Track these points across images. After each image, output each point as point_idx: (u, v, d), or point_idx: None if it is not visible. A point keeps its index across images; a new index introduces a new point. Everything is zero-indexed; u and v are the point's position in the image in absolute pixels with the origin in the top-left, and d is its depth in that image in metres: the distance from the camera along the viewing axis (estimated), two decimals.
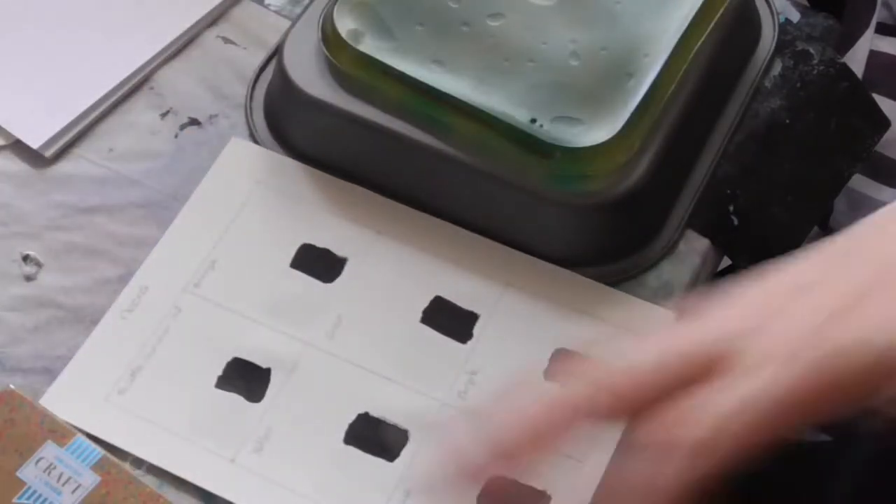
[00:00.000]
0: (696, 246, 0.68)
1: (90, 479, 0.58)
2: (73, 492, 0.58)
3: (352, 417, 0.62)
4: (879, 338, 0.46)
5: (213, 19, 0.75)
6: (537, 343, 0.64)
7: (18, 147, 0.70)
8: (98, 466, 0.59)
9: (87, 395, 0.62)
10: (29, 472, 0.58)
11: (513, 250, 0.67)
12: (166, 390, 0.62)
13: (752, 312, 0.49)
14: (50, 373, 0.63)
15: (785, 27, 0.75)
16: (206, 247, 0.67)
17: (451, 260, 0.66)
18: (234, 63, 0.74)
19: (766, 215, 0.71)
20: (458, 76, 0.65)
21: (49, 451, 0.59)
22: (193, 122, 0.72)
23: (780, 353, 0.47)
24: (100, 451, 0.59)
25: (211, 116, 0.72)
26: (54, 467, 0.58)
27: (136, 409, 0.62)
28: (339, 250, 0.67)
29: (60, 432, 0.59)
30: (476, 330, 0.65)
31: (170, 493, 0.59)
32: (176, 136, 0.71)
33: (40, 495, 0.58)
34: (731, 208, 0.70)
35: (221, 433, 0.61)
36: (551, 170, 0.64)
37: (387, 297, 0.66)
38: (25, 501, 0.58)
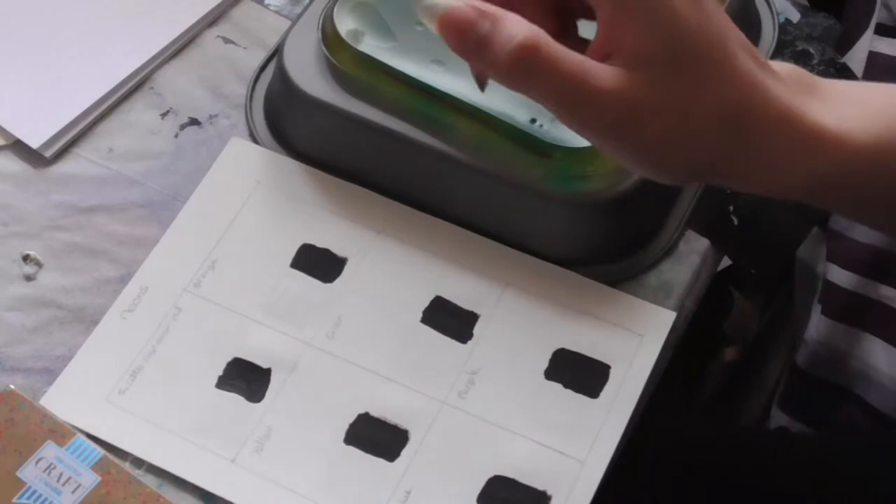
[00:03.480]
0: (696, 246, 0.68)
1: (90, 479, 0.58)
2: (73, 492, 0.58)
3: (352, 417, 0.62)
4: None
5: (213, 19, 0.75)
6: (537, 343, 0.64)
7: (18, 147, 0.70)
8: (98, 466, 0.59)
9: (87, 395, 0.62)
10: (29, 472, 0.58)
11: (513, 250, 0.67)
12: (166, 390, 0.62)
13: None
14: (50, 373, 0.63)
15: (785, 27, 0.75)
16: (206, 247, 0.67)
17: (451, 260, 0.66)
18: (234, 63, 0.74)
19: (766, 215, 0.71)
20: (458, 76, 0.65)
21: (49, 451, 0.59)
22: (193, 122, 0.72)
23: None
24: (100, 451, 0.59)
25: (211, 116, 0.72)
26: (54, 467, 0.58)
27: (137, 409, 0.62)
28: (339, 250, 0.67)
29: (60, 432, 0.59)
30: (476, 330, 0.65)
31: (170, 493, 0.59)
32: (176, 136, 0.71)
33: (40, 495, 0.58)
34: (731, 208, 0.70)
35: (221, 433, 0.61)
36: (551, 170, 0.64)
37: (387, 297, 0.66)
38: (25, 501, 0.58)
